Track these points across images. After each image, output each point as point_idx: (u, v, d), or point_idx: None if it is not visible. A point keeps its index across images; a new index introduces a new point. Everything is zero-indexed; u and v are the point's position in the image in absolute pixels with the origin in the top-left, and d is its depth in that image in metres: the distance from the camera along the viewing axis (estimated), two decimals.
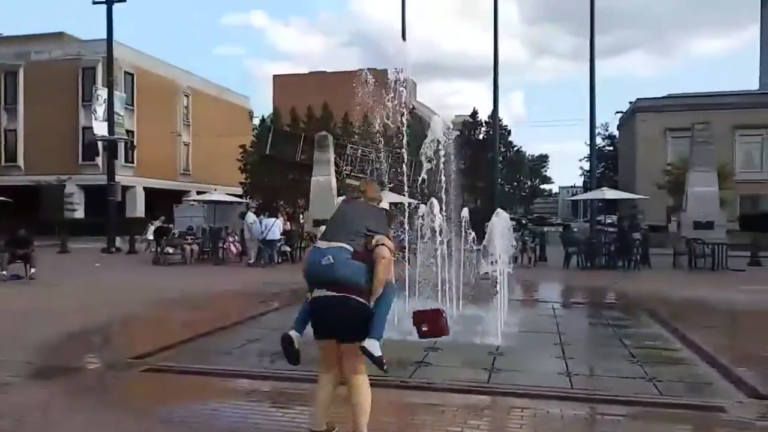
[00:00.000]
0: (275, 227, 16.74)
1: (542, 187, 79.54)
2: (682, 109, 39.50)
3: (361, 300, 3.58)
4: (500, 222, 8.11)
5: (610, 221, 38.97)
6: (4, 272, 13.19)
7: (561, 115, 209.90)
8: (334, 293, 3.55)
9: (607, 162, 60.62)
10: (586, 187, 51.00)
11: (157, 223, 20.58)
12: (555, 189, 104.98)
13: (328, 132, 24.24)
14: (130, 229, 24.43)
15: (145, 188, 40.06)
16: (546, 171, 78.23)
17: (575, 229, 26.31)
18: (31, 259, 13.51)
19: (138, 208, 39.13)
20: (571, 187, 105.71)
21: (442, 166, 8.60)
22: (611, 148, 62.54)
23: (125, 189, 36.30)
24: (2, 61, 38.99)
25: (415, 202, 11.53)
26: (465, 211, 10.10)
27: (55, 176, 35.33)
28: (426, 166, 8.12)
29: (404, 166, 9.42)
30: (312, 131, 32.13)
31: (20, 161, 39.05)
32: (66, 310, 9.16)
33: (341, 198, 4.50)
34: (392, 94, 8.85)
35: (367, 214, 3.93)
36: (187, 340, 7.10)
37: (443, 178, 8.80)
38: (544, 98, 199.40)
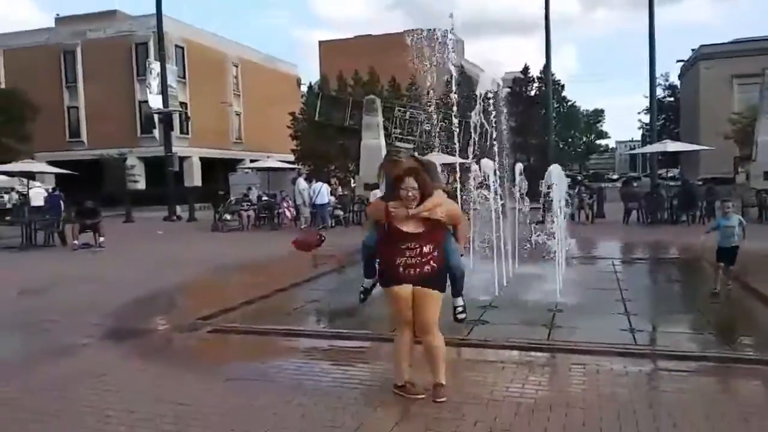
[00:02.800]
0: (323, 191, 16.87)
1: (598, 142, 76.54)
2: (750, 54, 37.09)
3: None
4: (554, 176, 7.87)
5: (671, 175, 37.42)
6: (75, 242, 13.86)
7: (617, 68, 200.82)
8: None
9: (667, 114, 57.80)
10: (645, 141, 49.00)
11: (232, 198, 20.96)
12: (611, 144, 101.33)
13: (375, 95, 24.05)
14: (191, 197, 25.14)
15: (200, 158, 41.06)
16: (602, 126, 75.15)
17: (635, 184, 25.41)
18: (99, 228, 14.13)
19: (195, 177, 40.24)
20: (629, 141, 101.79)
21: (492, 123, 8.38)
22: (672, 99, 59.51)
23: (182, 159, 37.25)
24: (61, 41, 40.31)
25: (467, 161, 11.34)
26: (519, 167, 9.85)
27: (117, 149, 36.65)
28: (474, 122, 7.89)
29: (454, 126, 9.24)
30: (359, 96, 31.99)
31: (83, 136, 40.63)
32: (133, 275, 9.58)
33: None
34: (439, 54, 8.64)
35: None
36: (248, 302, 7.29)
37: (494, 135, 8.59)
38: (599, 52, 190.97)
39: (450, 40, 9.63)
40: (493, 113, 8.37)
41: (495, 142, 8.51)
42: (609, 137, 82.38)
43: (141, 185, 37.88)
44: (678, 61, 50.03)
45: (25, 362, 5.19)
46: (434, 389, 3.92)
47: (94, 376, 4.66)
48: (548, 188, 7.50)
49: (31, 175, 24.85)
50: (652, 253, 11.72)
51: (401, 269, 3.83)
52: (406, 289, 3.84)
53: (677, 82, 58.18)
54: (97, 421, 3.78)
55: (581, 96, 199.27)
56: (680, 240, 12.33)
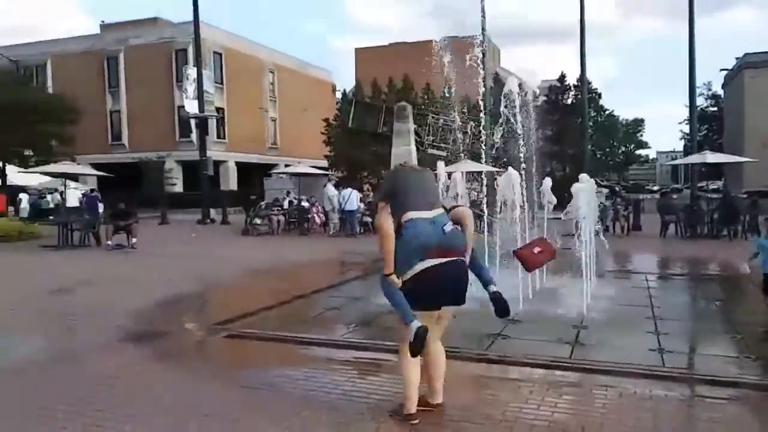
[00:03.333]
0: (353, 198, 16.84)
1: (638, 152, 74.73)
2: None
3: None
4: (584, 187, 7.61)
5: (714, 187, 36.22)
6: (109, 242, 14.16)
7: (657, 77, 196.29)
8: (455, 258, 3.54)
9: (710, 124, 56.14)
10: (687, 152, 47.61)
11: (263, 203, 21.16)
12: (652, 155, 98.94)
13: (408, 102, 23.94)
14: (223, 201, 25.49)
15: (236, 162, 41.68)
16: (641, 136, 73.29)
17: (675, 196, 24.63)
18: (132, 230, 14.40)
19: (231, 181, 40.86)
20: (670, 152, 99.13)
21: (520, 130, 8.18)
22: (715, 108, 57.75)
23: (218, 163, 37.88)
24: (104, 47, 41.58)
25: (495, 169, 11.12)
26: (547, 182, 9.64)
27: (156, 153, 37.51)
28: (499, 130, 7.71)
29: (484, 133, 9.10)
30: (393, 102, 31.94)
31: (125, 140, 41.72)
32: (160, 277, 9.69)
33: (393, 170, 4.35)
34: (473, 62, 8.51)
35: (430, 177, 4.00)
36: (268, 307, 7.26)
37: (522, 143, 8.39)
38: (638, 60, 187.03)
39: (484, 46, 9.48)
40: (519, 119, 8.17)
41: (524, 150, 8.32)
42: (649, 147, 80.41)
43: (179, 188, 38.65)
44: (721, 69, 48.53)
45: (38, 362, 5.24)
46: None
47: (105, 378, 4.67)
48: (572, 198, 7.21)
49: (74, 177, 25.67)
50: (688, 268, 11.25)
51: None
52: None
53: (720, 92, 56.47)
54: (92, 423, 3.76)
55: (621, 105, 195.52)
56: (719, 256, 11.84)
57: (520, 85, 8.74)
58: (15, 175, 24.76)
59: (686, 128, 54.46)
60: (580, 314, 6.66)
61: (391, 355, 5.14)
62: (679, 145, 74.07)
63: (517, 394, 4.30)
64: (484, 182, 9.38)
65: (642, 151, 77.48)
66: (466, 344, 5.39)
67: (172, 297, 8.01)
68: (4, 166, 25.41)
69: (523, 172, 8.40)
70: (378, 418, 3.80)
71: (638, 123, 71.82)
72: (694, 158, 18.20)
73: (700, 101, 52.55)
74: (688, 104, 21.26)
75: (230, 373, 5.01)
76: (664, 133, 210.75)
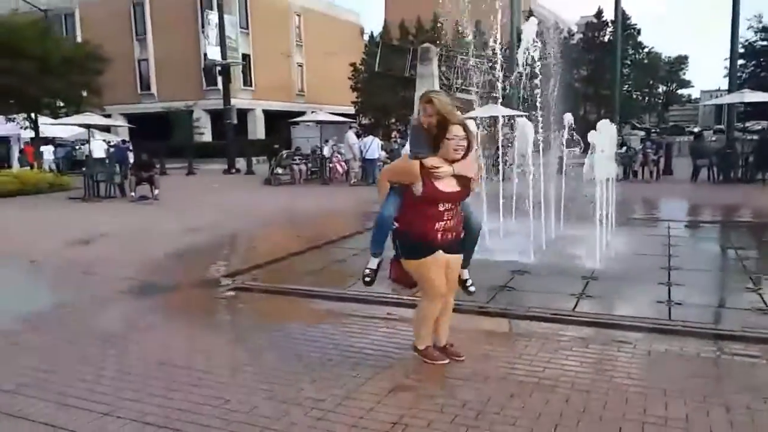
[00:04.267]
0: (374, 146, 16.63)
1: (680, 92, 71.41)
2: None
3: None
4: (603, 133, 7.25)
5: (759, 128, 34.55)
6: (133, 193, 14.40)
7: (706, 9, 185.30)
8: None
9: (758, 60, 53.00)
10: (731, 90, 45.37)
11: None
12: (696, 94, 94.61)
13: (437, 44, 23.19)
14: (249, 150, 25.57)
15: (263, 111, 41.53)
16: (685, 74, 69.80)
17: (713, 138, 23.61)
18: (154, 180, 14.60)
19: (258, 130, 40.85)
20: (715, 90, 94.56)
21: (541, 71, 7.81)
22: (765, 42, 54.37)
23: (246, 112, 37.81)
24: None
25: (520, 113, 10.75)
26: (568, 117, 9.20)
27: (183, 102, 37.60)
28: (517, 72, 7.37)
29: (514, 75, 8.72)
30: (422, 44, 31.05)
31: (153, 89, 41.83)
32: (176, 229, 9.82)
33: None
34: None
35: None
36: (279, 259, 7.29)
37: (545, 86, 8.04)
38: None
39: None
40: (542, 61, 7.79)
41: (550, 93, 7.97)
42: (692, 86, 76.80)
43: (207, 137, 38.86)
44: None
45: (43, 313, 5.39)
46: (451, 348, 3.96)
47: (106, 332, 4.78)
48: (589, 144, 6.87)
49: (105, 128, 25.97)
50: (716, 215, 10.85)
51: (440, 235, 3.58)
52: (443, 257, 3.65)
53: None
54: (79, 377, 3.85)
55: (665, 41, 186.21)
56: (751, 202, 11.36)
57: (553, 23, 8.29)
58: (46, 127, 25.18)
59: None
60: (592, 265, 6.49)
61: (391, 307, 5.12)
62: (725, 83, 70.58)
63: (513, 348, 4.23)
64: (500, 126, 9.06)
65: (684, 91, 74.13)
66: (467, 297, 5.30)
67: (187, 249, 8.15)
68: (36, 117, 25.85)
69: (551, 117, 8.08)
70: (365, 373, 3.78)
71: (681, 60, 68.34)
72: (731, 98, 17.26)
73: (750, 35, 49.42)
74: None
75: (228, 327, 5.09)
76: (712, 71, 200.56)
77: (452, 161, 3.53)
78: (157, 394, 3.53)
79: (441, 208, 3.56)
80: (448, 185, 3.55)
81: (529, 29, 7.70)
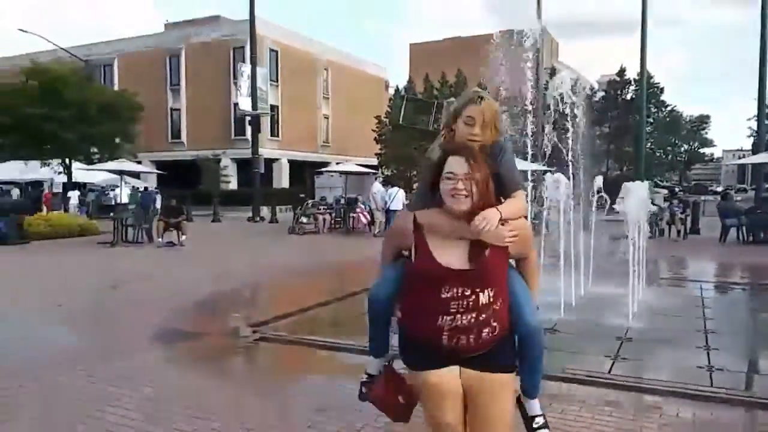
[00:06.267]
0: (399, 197, 16.72)
1: (702, 151, 71.24)
2: None
3: None
4: (635, 189, 7.21)
5: None
6: (160, 239, 14.57)
7: (729, 70, 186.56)
8: None
9: None
10: (756, 151, 45.16)
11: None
12: (718, 153, 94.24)
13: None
14: (273, 199, 25.91)
15: (289, 160, 42.27)
16: (707, 133, 69.82)
17: (739, 198, 23.28)
18: (182, 227, 14.78)
19: (283, 179, 41.48)
20: (738, 150, 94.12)
21: (576, 127, 7.85)
22: None
23: (271, 161, 38.49)
24: (168, 45, 42.91)
25: (546, 169, 10.76)
26: (598, 180, 9.21)
27: (212, 150, 38.50)
28: (548, 128, 7.41)
29: (536, 131, 8.79)
30: (446, 99, 31.61)
31: (183, 137, 43.01)
32: (201, 276, 9.87)
33: None
34: (529, 56, 8.23)
35: None
36: (303, 309, 7.24)
37: (572, 142, 8.04)
38: (709, 54, 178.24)
39: (541, 40, 9.15)
40: (571, 117, 7.83)
41: (575, 149, 7.96)
42: (715, 145, 76.66)
43: (233, 185, 39.53)
44: None
45: (60, 360, 5.36)
46: None
47: (128, 378, 4.73)
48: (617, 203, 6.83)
49: (135, 174, 26.61)
50: (749, 277, 10.56)
51: (445, 336, 2.16)
52: (452, 375, 2.22)
53: None
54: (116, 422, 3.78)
55: (686, 100, 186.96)
56: None
57: (576, 81, 8.40)
58: (79, 172, 25.90)
59: (755, 124, 51.59)
60: (625, 325, 6.32)
61: None
62: (748, 144, 70.28)
63: (547, 411, 4.07)
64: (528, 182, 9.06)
65: (707, 150, 73.93)
66: None
67: (211, 297, 8.15)
68: (70, 162, 26.65)
69: (578, 173, 8.04)
70: None
71: (703, 119, 68.49)
72: (760, 157, 17.09)
73: None
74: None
75: (250, 378, 5.00)
76: (734, 131, 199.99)
77: (460, 216, 2.15)
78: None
79: (444, 294, 2.13)
80: (452, 255, 2.16)
81: (561, 81, 7.79)
